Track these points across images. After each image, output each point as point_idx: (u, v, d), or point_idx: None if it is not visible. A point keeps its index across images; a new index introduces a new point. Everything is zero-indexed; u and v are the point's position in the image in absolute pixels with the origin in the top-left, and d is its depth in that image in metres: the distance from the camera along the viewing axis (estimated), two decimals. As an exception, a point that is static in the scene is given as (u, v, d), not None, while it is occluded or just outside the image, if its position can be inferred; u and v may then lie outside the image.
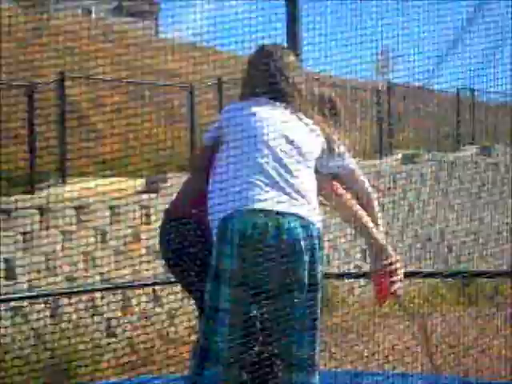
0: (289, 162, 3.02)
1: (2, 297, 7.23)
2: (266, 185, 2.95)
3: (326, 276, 3.89)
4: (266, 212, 2.91)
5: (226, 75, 8.70)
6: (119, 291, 8.14)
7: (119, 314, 8.60)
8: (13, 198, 8.27)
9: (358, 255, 11.92)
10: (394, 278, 3.14)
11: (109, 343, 7.80)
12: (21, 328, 7.46)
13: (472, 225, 13.35)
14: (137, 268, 7.86)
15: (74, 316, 7.87)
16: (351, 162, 3.32)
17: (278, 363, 3.04)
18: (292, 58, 3.35)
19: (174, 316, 8.15)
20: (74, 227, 8.60)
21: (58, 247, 8.37)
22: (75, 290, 7.55)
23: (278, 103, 3.19)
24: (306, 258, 2.93)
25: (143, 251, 8.68)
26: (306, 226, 2.94)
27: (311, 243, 2.94)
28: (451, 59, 4.19)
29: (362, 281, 7.68)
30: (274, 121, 3.12)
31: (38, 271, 8.17)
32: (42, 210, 8.46)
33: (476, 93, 14.49)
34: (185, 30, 3.40)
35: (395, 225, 12.79)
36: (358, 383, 4.07)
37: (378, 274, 3.13)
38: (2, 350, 6.88)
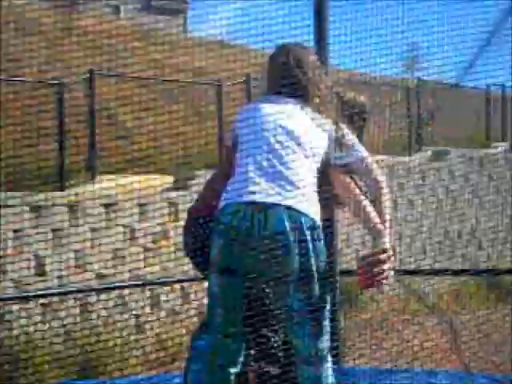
0: (284, 152, 3.02)
1: (33, 293, 7.29)
2: (259, 176, 2.99)
3: (344, 272, 3.89)
4: (255, 204, 2.95)
5: (255, 72, 8.71)
6: (148, 288, 8.19)
7: (148, 310, 8.64)
8: (43, 196, 8.33)
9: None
10: (382, 269, 3.07)
11: (138, 339, 7.85)
12: (51, 324, 7.52)
13: (503, 222, 13.25)
14: (165, 265, 7.89)
15: (104, 312, 7.92)
16: (362, 151, 3.27)
17: (280, 354, 3.10)
18: (312, 56, 3.35)
19: (202, 313, 8.17)
20: (103, 224, 8.65)
21: (88, 244, 8.42)
22: (104, 286, 7.59)
23: (291, 99, 3.19)
24: (296, 249, 2.93)
25: (172, 248, 8.72)
26: (296, 217, 2.93)
27: (302, 234, 2.93)
28: (482, 56, 4.16)
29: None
30: (275, 112, 3.13)
31: (68, 268, 8.24)
32: (71, 207, 8.52)
33: (506, 89, 14.38)
34: (213, 27, 3.41)
35: (424, 222, 12.73)
36: (386, 380, 4.06)
37: (366, 261, 3.07)
38: (32, 346, 6.94)
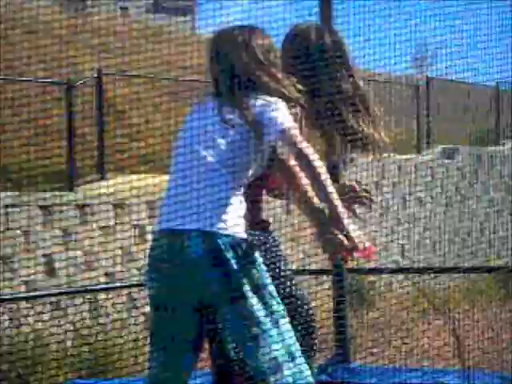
0: (202, 170, 2.87)
1: (42, 292, 7.31)
2: (175, 202, 2.89)
3: (353, 270, 3.86)
4: (171, 232, 2.88)
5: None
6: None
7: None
8: (52, 195, 8.35)
9: (395, 250, 11.87)
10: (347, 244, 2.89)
11: (146, 337, 7.84)
12: (60, 322, 7.54)
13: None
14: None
15: (113, 311, 7.93)
16: (284, 123, 2.87)
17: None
18: (267, 40, 3.02)
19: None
20: (112, 223, 8.66)
21: (97, 243, 8.43)
22: (114, 285, 7.61)
23: (219, 101, 2.94)
24: (215, 272, 2.84)
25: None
26: (211, 239, 2.83)
27: (221, 256, 2.83)
28: (491, 53, 4.15)
29: (400, 276, 7.64)
30: (197, 126, 2.94)
31: (77, 267, 8.25)
32: (80, 207, 8.53)
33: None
34: (221, 26, 3.40)
35: (434, 219, 12.71)
36: (394, 379, 4.06)
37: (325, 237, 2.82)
38: (41, 344, 6.95)
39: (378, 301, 8.40)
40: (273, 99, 2.93)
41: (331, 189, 2.87)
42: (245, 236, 2.89)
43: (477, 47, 4.17)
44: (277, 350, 2.88)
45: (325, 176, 2.86)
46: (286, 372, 2.88)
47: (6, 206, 7.86)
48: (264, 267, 2.93)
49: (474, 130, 13.97)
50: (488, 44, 4.18)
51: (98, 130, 9.36)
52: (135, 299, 8.28)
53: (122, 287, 7.00)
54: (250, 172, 2.94)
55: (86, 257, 8.40)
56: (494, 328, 5.56)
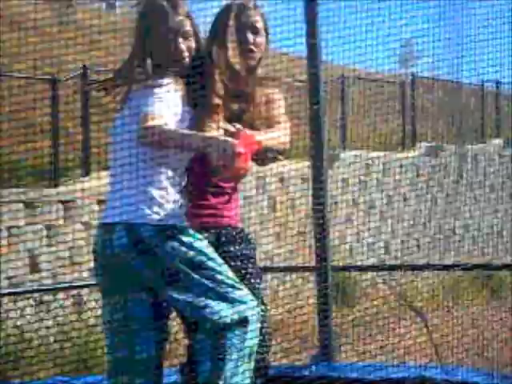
0: (126, 163, 2.94)
1: (25, 288, 7.30)
2: (111, 194, 3.03)
3: (342, 268, 3.87)
4: (103, 226, 3.04)
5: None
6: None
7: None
8: (37, 192, 8.33)
9: (382, 249, 11.91)
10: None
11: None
12: (44, 319, 7.53)
13: (496, 217, 13.29)
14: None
15: (96, 307, 7.93)
16: (147, 106, 2.91)
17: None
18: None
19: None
20: (96, 220, 8.66)
21: (81, 240, 8.43)
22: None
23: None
24: (142, 261, 2.94)
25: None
26: (135, 231, 2.94)
27: (145, 244, 2.93)
28: (476, 51, 4.17)
29: (383, 273, 7.67)
30: (122, 120, 3.02)
31: (62, 263, 8.24)
32: (65, 203, 8.52)
33: (501, 85, 14.41)
34: (206, 25, 3.41)
35: (418, 217, 12.75)
36: (377, 374, 4.08)
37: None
38: (23, 340, 6.94)
39: (363, 298, 8.43)
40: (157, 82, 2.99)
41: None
42: (170, 222, 2.95)
43: (462, 46, 4.19)
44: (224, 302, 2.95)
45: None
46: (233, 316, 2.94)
47: (-10, 202, 7.84)
48: (207, 250, 2.99)
49: (459, 128, 14.03)
50: (474, 44, 4.20)
51: (83, 127, 9.35)
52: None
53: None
54: (168, 160, 2.97)
55: (70, 252, 8.40)
56: (476, 325, 5.60)
